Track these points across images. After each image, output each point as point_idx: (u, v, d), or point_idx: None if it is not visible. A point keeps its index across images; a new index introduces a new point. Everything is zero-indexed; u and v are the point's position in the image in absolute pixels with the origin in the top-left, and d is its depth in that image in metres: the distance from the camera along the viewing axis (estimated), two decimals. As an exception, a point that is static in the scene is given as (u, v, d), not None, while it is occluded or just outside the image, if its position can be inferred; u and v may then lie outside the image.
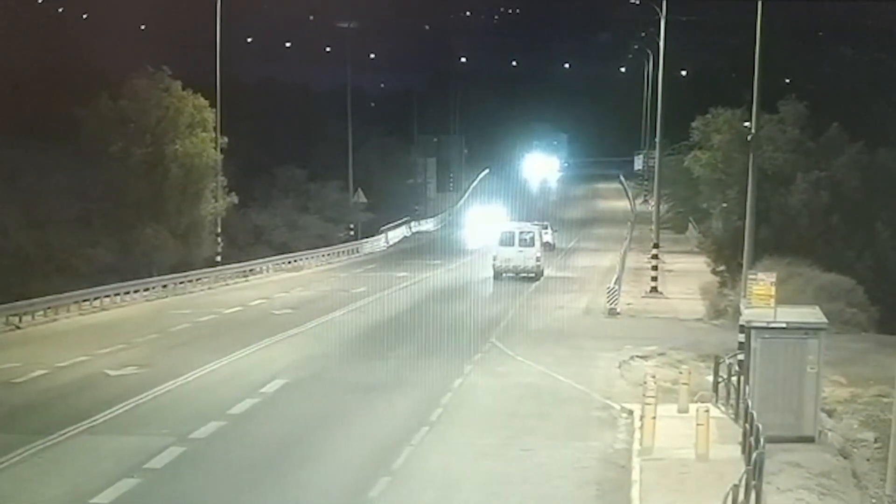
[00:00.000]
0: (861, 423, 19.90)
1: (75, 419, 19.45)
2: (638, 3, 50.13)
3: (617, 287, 36.16)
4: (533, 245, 44.29)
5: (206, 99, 44.41)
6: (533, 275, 43.77)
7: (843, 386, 22.55)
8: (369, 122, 68.25)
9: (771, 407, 17.61)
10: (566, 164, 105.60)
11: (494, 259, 43.99)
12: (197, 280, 42.08)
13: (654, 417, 17.82)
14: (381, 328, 31.10)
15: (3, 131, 40.34)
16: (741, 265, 28.23)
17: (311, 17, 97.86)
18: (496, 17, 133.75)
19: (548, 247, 51.66)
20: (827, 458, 17.34)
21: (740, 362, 20.17)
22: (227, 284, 43.13)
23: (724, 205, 37.53)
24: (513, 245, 43.95)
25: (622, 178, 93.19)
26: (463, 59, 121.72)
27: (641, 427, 18.24)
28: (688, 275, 44.02)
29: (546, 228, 54.32)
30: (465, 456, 17.44)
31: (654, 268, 40.62)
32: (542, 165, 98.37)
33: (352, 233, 58.77)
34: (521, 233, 44.65)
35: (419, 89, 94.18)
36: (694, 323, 33.15)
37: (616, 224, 67.62)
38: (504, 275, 43.50)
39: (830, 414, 20.23)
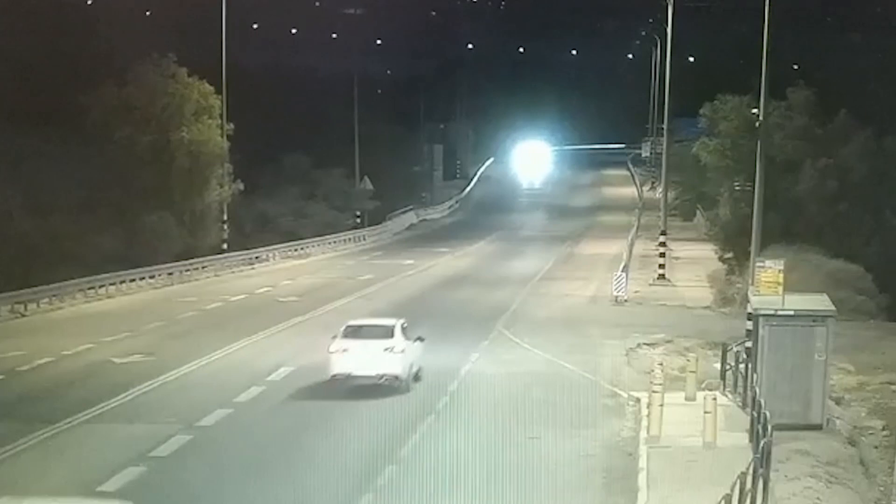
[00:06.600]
0: (869, 411, 19.87)
1: (81, 407, 19.48)
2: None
3: (624, 275, 36.03)
4: None
5: (211, 85, 44.31)
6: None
7: (851, 374, 22.47)
8: (375, 109, 67.67)
9: (778, 395, 17.54)
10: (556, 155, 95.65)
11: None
12: (203, 268, 42.03)
13: (662, 405, 17.76)
14: (387, 315, 30.99)
15: (8, 118, 40.21)
16: (749, 253, 28.12)
17: (317, 3, 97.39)
18: (503, 3, 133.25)
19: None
20: (835, 446, 17.27)
21: (748, 350, 20.08)
22: (232, 272, 43.08)
23: (735, 186, 37.06)
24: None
25: (630, 165, 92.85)
26: (469, 46, 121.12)
27: (649, 415, 18.21)
28: (695, 262, 43.87)
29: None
30: (471, 444, 17.39)
31: (662, 255, 40.49)
32: (531, 159, 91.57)
33: (358, 220, 58.63)
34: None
35: (426, 76, 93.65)
36: (701, 310, 33.03)
37: (623, 211, 67.36)
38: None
39: (838, 402, 20.19)
